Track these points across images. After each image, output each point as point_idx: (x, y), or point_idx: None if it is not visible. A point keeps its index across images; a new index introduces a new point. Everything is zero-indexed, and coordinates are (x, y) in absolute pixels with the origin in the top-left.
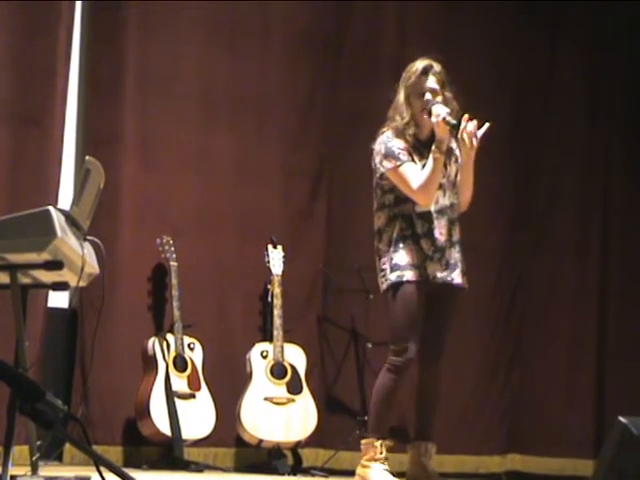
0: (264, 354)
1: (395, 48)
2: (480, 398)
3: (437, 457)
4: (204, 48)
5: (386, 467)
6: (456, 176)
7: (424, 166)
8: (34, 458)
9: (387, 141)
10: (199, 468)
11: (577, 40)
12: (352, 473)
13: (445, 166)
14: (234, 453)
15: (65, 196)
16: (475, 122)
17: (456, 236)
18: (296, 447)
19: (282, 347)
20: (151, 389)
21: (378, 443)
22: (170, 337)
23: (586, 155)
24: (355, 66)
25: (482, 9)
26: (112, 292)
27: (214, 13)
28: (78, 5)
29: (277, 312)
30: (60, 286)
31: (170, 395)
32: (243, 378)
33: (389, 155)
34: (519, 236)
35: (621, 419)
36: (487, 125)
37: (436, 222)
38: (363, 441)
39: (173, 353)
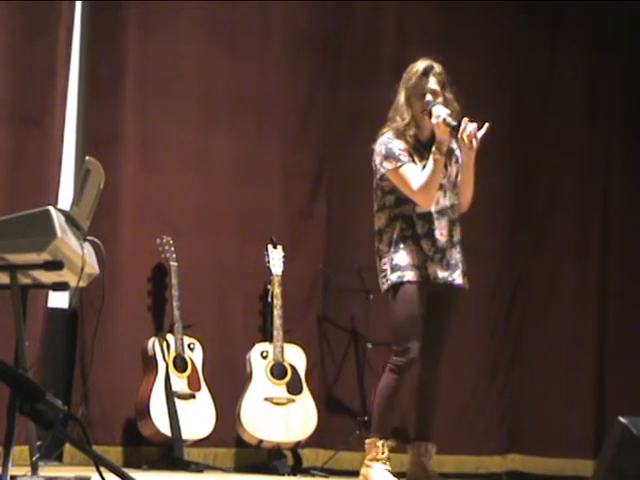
0: (264, 354)
1: (395, 48)
2: (480, 398)
3: (437, 457)
4: (204, 48)
5: (387, 467)
6: (457, 177)
7: (424, 167)
8: (34, 458)
9: (387, 142)
10: (199, 468)
11: (577, 40)
12: (352, 473)
13: (446, 167)
14: (234, 453)
15: (65, 196)
16: (475, 124)
17: (457, 237)
18: (296, 447)
19: (282, 347)
20: (151, 389)
21: (380, 443)
22: (170, 337)
23: (586, 155)
24: (355, 66)
25: (482, 9)
26: (112, 292)
27: (214, 13)
28: (78, 5)
29: (277, 312)
30: (60, 286)
31: (170, 395)
32: (243, 378)
33: (389, 156)
34: (519, 236)
35: (621, 419)
36: (487, 126)
37: (437, 223)
38: (367, 441)
39: (173, 353)
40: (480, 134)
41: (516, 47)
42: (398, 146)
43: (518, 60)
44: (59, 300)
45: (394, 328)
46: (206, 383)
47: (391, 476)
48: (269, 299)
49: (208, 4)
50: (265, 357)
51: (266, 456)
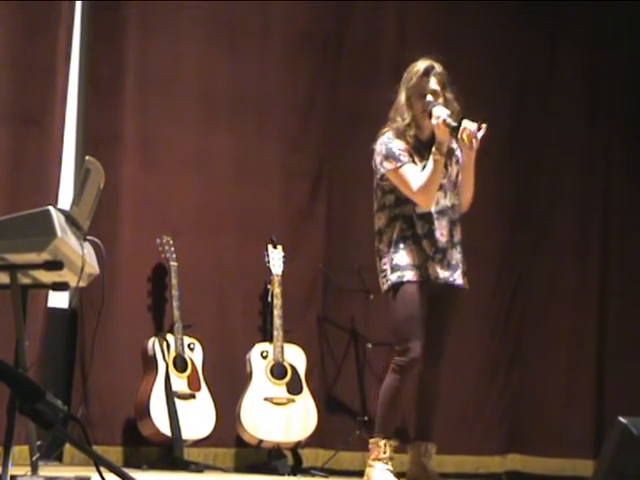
0: (264, 354)
1: (395, 48)
2: (480, 398)
3: (437, 457)
4: (204, 48)
5: (388, 467)
6: (457, 177)
7: (425, 167)
8: (34, 458)
9: (388, 142)
10: (199, 468)
11: (577, 40)
12: (352, 473)
13: (446, 167)
14: (234, 453)
15: (65, 196)
16: (475, 124)
17: (457, 237)
18: (296, 447)
19: (282, 347)
20: (151, 389)
21: (382, 443)
22: (170, 337)
23: (586, 155)
24: (355, 66)
25: (482, 9)
26: (112, 292)
27: (214, 13)
28: (78, 5)
29: (277, 312)
30: (60, 286)
31: (170, 395)
32: (243, 378)
33: (390, 156)
34: (519, 236)
35: (621, 419)
36: (484, 127)
37: (437, 223)
38: (370, 440)
39: (173, 353)
40: (480, 134)
41: (516, 47)
42: (398, 146)
43: (518, 60)
44: (59, 300)
45: (395, 328)
46: (206, 383)
47: (392, 476)
48: (269, 299)
49: (208, 4)
50: (265, 357)
51: (266, 456)
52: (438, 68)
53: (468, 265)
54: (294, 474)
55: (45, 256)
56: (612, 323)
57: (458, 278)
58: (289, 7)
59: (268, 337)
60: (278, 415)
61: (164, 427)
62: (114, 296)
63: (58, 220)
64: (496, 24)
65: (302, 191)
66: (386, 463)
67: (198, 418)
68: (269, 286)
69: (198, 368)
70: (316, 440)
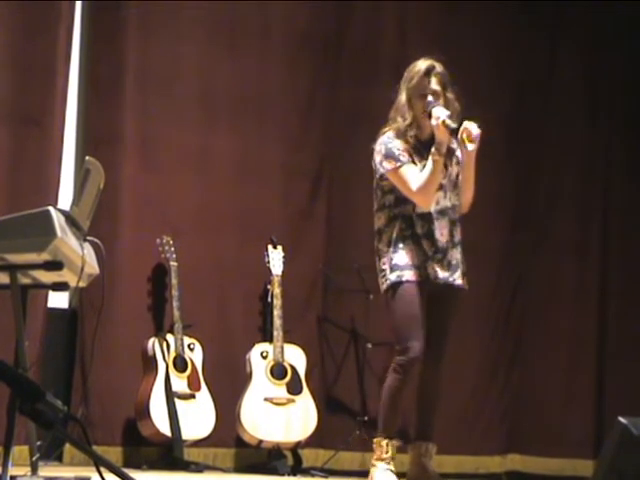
0: (264, 354)
1: (395, 48)
2: (480, 398)
3: (437, 457)
4: (204, 48)
5: (390, 467)
6: (457, 177)
7: (424, 167)
8: (34, 458)
9: (387, 142)
10: (199, 468)
11: (577, 40)
12: (352, 473)
13: (446, 167)
14: (234, 453)
15: (65, 196)
16: (474, 124)
17: (457, 237)
18: (296, 447)
19: (282, 347)
20: (151, 389)
21: (384, 443)
22: (170, 337)
23: (586, 155)
24: (355, 66)
25: (482, 9)
26: (112, 292)
27: (214, 13)
28: (78, 5)
29: (277, 312)
30: (60, 286)
31: (170, 395)
32: (243, 378)
33: (389, 156)
34: (519, 236)
35: (621, 419)
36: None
37: (437, 223)
38: (374, 440)
39: (173, 353)
40: (475, 133)
41: (516, 47)
42: (398, 146)
43: (518, 60)
44: (59, 300)
45: (394, 328)
46: (206, 383)
47: (392, 475)
48: (269, 299)
49: (208, 4)
50: (265, 357)
51: (266, 456)
52: (439, 68)
53: (468, 265)
54: (294, 474)
55: (45, 256)
56: (612, 323)
57: (458, 278)
58: (289, 7)
59: (268, 337)
60: (278, 415)
61: (164, 427)
62: (114, 296)
63: (58, 220)
64: (496, 24)
65: (302, 191)
66: (388, 463)
67: (198, 418)
68: (269, 286)
69: (198, 368)
70: (316, 440)
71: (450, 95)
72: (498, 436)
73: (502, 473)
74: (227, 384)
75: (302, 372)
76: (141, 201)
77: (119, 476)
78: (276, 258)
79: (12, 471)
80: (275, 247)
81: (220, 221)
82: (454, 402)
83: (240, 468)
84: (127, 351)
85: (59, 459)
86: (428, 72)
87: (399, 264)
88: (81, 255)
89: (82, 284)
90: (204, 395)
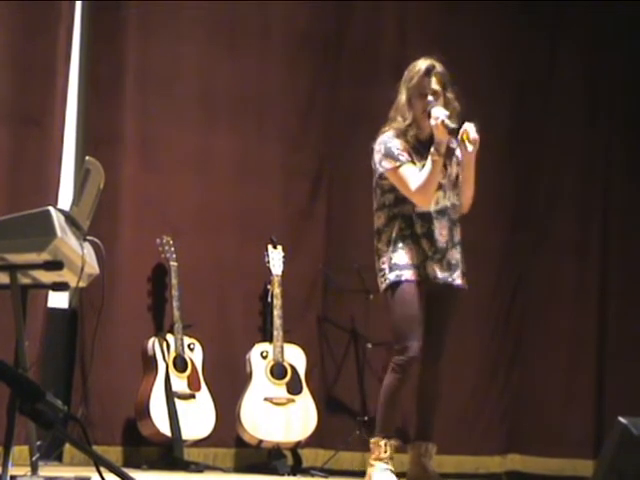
0: (264, 354)
1: (395, 48)
2: (480, 398)
3: (437, 457)
4: (204, 48)
5: (389, 466)
6: (457, 177)
7: (424, 167)
8: (34, 458)
9: (387, 141)
10: (199, 468)
11: (577, 40)
12: (352, 473)
13: (445, 167)
14: (234, 453)
15: (65, 196)
16: (474, 127)
17: (457, 237)
18: (296, 447)
19: (282, 347)
20: (151, 389)
21: (383, 442)
22: (170, 337)
23: (586, 155)
24: (355, 66)
25: (482, 9)
26: (112, 292)
27: (214, 13)
28: (78, 5)
29: (277, 312)
30: (60, 286)
31: (170, 395)
32: (243, 378)
33: (388, 155)
34: (519, 236)
35: (621, 419)
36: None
37: (436, 222)
38: (371, 440)
39: (173, 353)
40: (473, 137)
41: (516, 47)
42: (397, 146)
43: (518, 60)
44: (59, 300)
45: (393, 327)
46: (206, 383)
47: (392, 475)
48: (269, 299)
49: (208, 4)
50: (265, 357)
51: (266, 456)
52: (439, 68)
53: (468, 265)
54: (294, 474)
55: (45, 256)
56: (612, 323)
57: (457, 278)
58: (289, 7)
59: (268, 337)
60: (278, 415)
61: (164, 427)
62: (114, 296)
63: (58, 220)
64: (496, 24)
65: (302, 191)
66: (386, 463)
67: (198, 418)
68: (269, 286)
69: (198, 368)
70: (316, 440)
71: (450, 95)
72: (498, 436)
73: (502, 473)
74: (227, 384)
75: (302, 372)
76: (141, 201)
77: (119, 476)
78: (276, 258)
79: (12, 471)
80: (275, 247)
81: (220, 221)
82: (454, 402)
83: (240, 468)
84: (127, 351)
85: (59, 459)
86: (428, 72)
87: (398, 264)
88: (81, 255)
89: (82, 284)
90: (204, 395)
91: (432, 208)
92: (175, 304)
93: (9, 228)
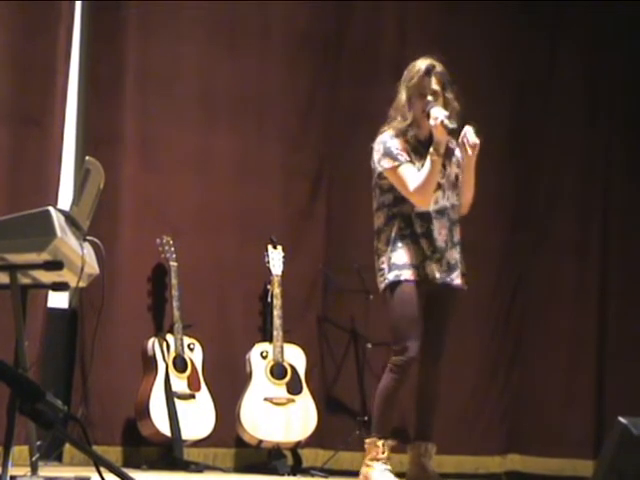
0: (264, 354)
1: (395, 48)
2: (480, 398)
3: (437, 457)
4: (204, 48)
5: (388, 467)
6: (457, 177)
7: (423, 167)
8: (34, 458)
9: (386, 140)
10: (199, 468)
11: (577, 40)
12: (352, 473)
13: (444, 167)
14: (234, 453)
15: (65, 196)
16: (472, 133)
17: (456, 237)
18: (296, 447)
19: (282, 347)
20: (151, 389)
21: (380, 443)
22: (170, 337)
23: (586, 155)
24: (355, 66)
25: (482, 9)
26: (112, 292)
27: (214, 13)
28: (78, 5)
29: (277, 312)
30: (60, 286)
31: (170, 395)
32: (243, 378)
33: (388, 155)
34: (519, 236)
35: (621, 419)
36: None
37: (435, 222)
38: (366, 440)
39: (173, 353)
40: (472, 141)
41: (516, 47)
42: (397, 145)
43: (518, 60)
44: (59, 300)
45: (392, 327)
46: (206, 383)
47: (392, 476)
48: (269, 299)
49: (208, 4)
50: (265, 357)
51: (266, 456)
52: (439, 67)
53: (468, 265)
54: (294, 474)
55: (45, 256)
56: (612, 323)
57: (456, 278)
58: (289, 7)
59: (268, 337)
60: (278, 415)
61: (164, 427)
62: (114, 296)
63: (58, 220)
64: (496, 24)
65: (302, 191)
66: (385, 463)
67: (198, 418)
68: (269, 286)
69: (198, 368)
70: (316, 440)
71: (449, 95)
72: (498, 436)
73: (502, 473)
74: (227, 384)
75: (302, 372)
76: (141, 201)
77: (119, 476)
78: (276, 258)
79: (12, 471)
80: (275, 247)
81: (220, 221)
82: (454, 402)
83: (240, 468)
84: (127, 351)
85: (59, 459)
86: (428, 72)
87: (397, 263)
88: (81, 255)
89: (82, 284)
90: (204, 395)
91: (431, 208)
92: (175, 304)
93: (9, 228)
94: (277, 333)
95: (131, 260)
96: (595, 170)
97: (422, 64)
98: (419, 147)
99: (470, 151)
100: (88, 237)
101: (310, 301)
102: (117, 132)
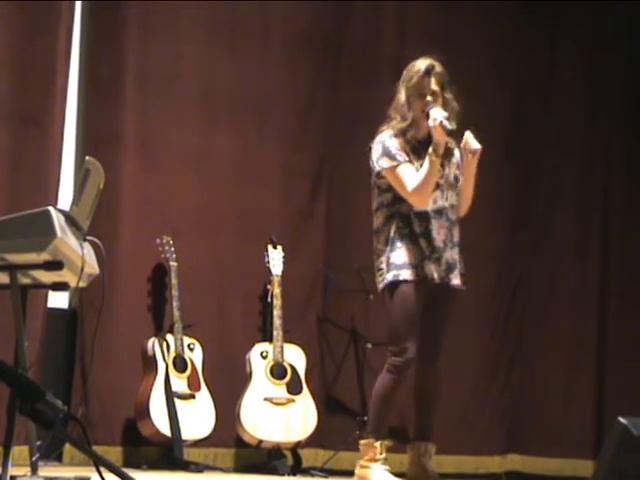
0: (264, 354)
1: (395, 48)
2: (480, 398)
3: (437, 457)
4: (204, 48)
5: (387, 467)
6: (456, 178)
7: (421, 166)
8: (34, 458)
9: (385, 140)
10: (199, 468)
11: (577, 40)
12: (352, 473)
13: (443, 167)
14: (234, 453)
15: (65, 196)
16: (473, 139)
17: (455, 237)
18: (296, 447)
19: (282, 347)
20: (151, 389)
21: (378, 444)
22: (170, 337)
23: (586, 155)
24: (355, 66)
25: (482, 9)
26: (112, 292)
27: (214, 13)
28: (78, 5)
29: (277, 312)
30: (60, 286)
31: (170, 395)
32: (243, 378)
33: (386, 154)
34: (519, 236)
35: (621, 419)
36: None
37: (434, 222)
38: (362, 442)
39: (173, 353)
40: (474, 148)
41: (516, 47)
42: (395, 145)
43: (518, 60)
44: (59, 300)
45: (391, 328)
46: (206, 383)
47: (392, 476)
48: (269, 299)
49: (208, 4)
50: (265, 357)
51: (266, 456)
52: (438, 68)
53: (468, 265)
54: (294, 474)
55: (45, 256)
56: (612, 323)
57: (454, 278)
58: (289, 7)
59: (268, 337)
60: (278, 415)
61: (164, 427)
62: (114, 296)
63: (58, 220)
64: (496, 24)
65: (302, 191)
66: (383, 464)
67: (198, 418)
68: (269, 286)
69: (198, 368)
70: (316, 440)
71: (448, 95)
72: (498, 436)
73: (502, 473)
74: (227, 384)
75: (302, 372)
76: (141, 201)
77: (119, 476)
78: (276, 258)
79: (12, 471)
80: (275, 247)
81: (220, 221)
82: (454, 402)
83: (240, 468)
84: (127, 351)
85: (59, 459)
86: (428, 72)
87: (396, 263)
88: (81, 255)
89: (82, 284)
90: (204, 395)
91: (429, 207)
92: (175, 304)
93: (9, 228)
94: (277, 333)
95: (131, 260)
96: (595, 170)
97: (422, 64)
98: (418, 147)
99: (471, 157)
100: (88, 237)
101: (310, 301)
102: (117, 132)
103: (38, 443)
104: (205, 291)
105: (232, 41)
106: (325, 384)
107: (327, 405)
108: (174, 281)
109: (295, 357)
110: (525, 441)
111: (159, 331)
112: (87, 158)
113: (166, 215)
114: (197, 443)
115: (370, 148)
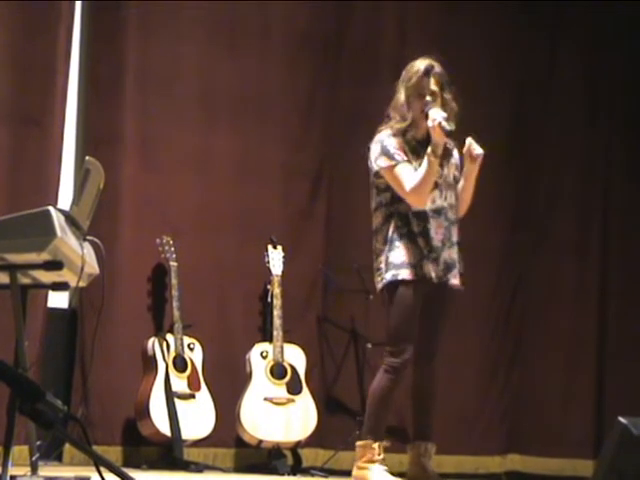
0: (264, 354)
1: (395, 48)
2: (480, 398)
3: (437, 457)
4: (204, 48)
5: (386, 468)
6: (455, 178)
7: (420, 166)
8: (34, 458)
9: (384, 140)
10: (199, 468)
11: (577, 40)
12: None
13: (442, 167)
14: (234, 453)
15: (65, 196)
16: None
17: (454, 237)
18: (296, 447)
19: (282, 347)
20: (151, 389)
21: (376, 445)
22: (170, 337)
23: (586, 155)
24: (355, 66)
25: (482, 9)
26: (112, 292)
27: (214, 13)
28: (78, 5)
29: (277, 312)
30: (60, 286)
31: (170, 395)
32: (243, 378)
33: (385, 154)
34: (519, 236)
35: (621, 419)
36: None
37: (432, 221)
38: (359, 443)
39: (173, 353)
40: (477, 153)
41: (516, 47)
42: (394, 144)
43: (518, 60)
44: (59, 300)
45: (389, 328)
46: (206, 383)
47: (391, 476)
48: (269, 299)
49: (208, 4)
50: (265, 357)
51: (266, 456)
52: (437, 68)
53: (468, 265)
54: (294, 474)
55: (45, 256)
56: (612, 323)
57: (452, 278)
58: (289, 7)
59: (268, 337)
60: (278, 415)
61: (164, 427)
62: (114, 296)
63: (58, 220)
64: (496, 24)
65: (302, 191)
66: (382, 464)
67: (198, 418)
68: (269, 286)
69: (198, 368)
70: (316, 440)
71: (448, 95)
72: (498, 436)
73: (502, 473)
74: (227, 384)
75: (302, 372)
76: (141, 201)
77: (119, 476)
78: (276, 258)
79: (12, 471)
80: (275, 247)
81: (220, 221)
82: (454, 402)
83: (240, 468)
84: (127, 351)
85: (59, 459)
86: (427, 72)
87: (395, 262)
88: (81, 255)
89: (82, 284)
90: (204, 395)
91: (428, 207)
92: (175, 304)
93: (9, 228)
94: (277, 333)
95: (131, 260)
96: (595, 170)
97: (421, 64)
98: (417, 147)
99: (473, 162)
100: (88, 237)
101: (310, 301)
102: (117, 132)
103: (38, 443)
104: (205, 291)
105: (232, 41)
106: (325, 384)
107: (327, 405)
108: (174, 281)
109: (295, 357)
110: (525, 441)
111: (159, 331)
112: (87, 158)
113: (166, 215)
114: (197, 443)
115: (369, 148)
